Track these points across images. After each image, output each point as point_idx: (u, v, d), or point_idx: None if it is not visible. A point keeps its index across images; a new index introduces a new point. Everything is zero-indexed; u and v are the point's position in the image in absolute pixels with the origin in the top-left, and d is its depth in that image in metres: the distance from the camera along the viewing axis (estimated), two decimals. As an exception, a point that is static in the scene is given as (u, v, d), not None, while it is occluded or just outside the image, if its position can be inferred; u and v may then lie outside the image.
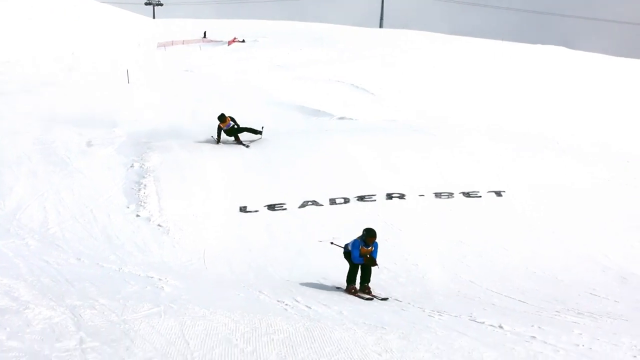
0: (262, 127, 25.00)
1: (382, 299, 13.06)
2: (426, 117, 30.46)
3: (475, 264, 15.18)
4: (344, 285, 13.79)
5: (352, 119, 29.99)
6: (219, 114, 24.58)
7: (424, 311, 10.93)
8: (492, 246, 16.24)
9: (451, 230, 17.26)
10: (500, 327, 9.90)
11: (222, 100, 33.54)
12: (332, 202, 18.99)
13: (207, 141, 24.15)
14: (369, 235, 13.38)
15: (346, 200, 18.92)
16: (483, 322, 10.17)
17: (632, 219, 18.29)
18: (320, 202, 18.94)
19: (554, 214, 18.33)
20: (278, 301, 11.19)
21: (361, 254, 13.37)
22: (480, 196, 19.31)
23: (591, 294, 13.10)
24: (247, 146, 23.83)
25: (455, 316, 10.53)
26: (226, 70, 45.12)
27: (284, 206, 18.80)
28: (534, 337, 9.34)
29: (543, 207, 18.71)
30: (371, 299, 13.14)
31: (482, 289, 13.27)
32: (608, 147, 26.81)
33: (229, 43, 67.66)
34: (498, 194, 19.51)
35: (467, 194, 19.34)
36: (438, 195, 19.23)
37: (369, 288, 13.62)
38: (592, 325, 10.50)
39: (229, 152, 22.81)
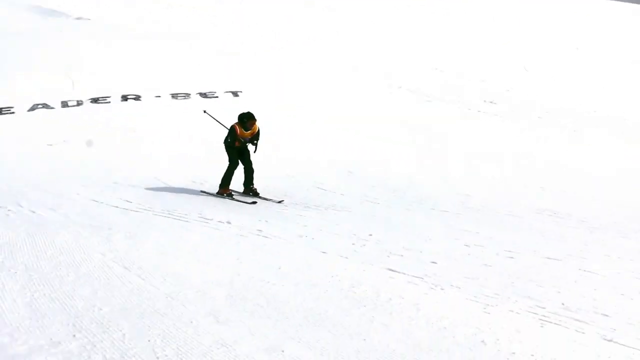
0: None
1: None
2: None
3: (212, 165, 15.14)
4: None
5: (89, 19, 28.81)
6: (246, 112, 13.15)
7: (153, 211, 10.88)
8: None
9: (188, 130, 17.18)
10: (228, 222, 10.10)
11: None
12: (64, 104, 18.17)
13: None
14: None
15: (79, 103, 18.24)
16: (212, 219, 10.31)
17: (360, 112, 19.18)
18: (52, 105, 18.08)
19: (292, 113, 18.75)
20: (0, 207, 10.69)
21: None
22: (217, 96, 19.42)
23: (319, 188, 13.64)
24: (281, 201, 12.46)
25: (185, 214, 10.58)
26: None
27: (12, 110, 17.67)
28: (260, 230, 9.63)
29: (281, 107, 19.08)
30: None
31: (216, 188, 13.25)
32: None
33: None
34: (235, 94, 19.77)
35: (203, 95, 19.34)
36: (175, 96, 19.08)
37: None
38: (317, 217, 10.97)
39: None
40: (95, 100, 18.01)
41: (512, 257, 8.84)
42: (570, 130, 20.45)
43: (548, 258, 8.81)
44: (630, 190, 15.02)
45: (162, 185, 13.50)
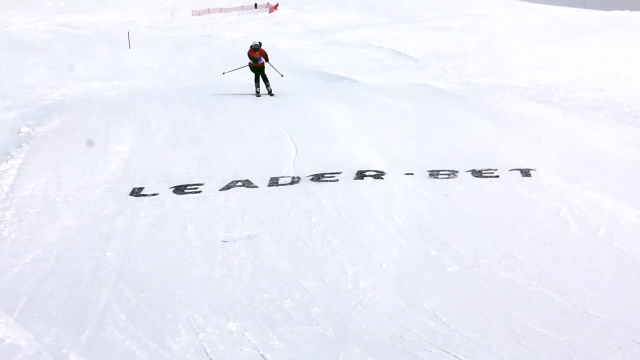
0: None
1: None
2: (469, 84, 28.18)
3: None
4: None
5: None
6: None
7: None
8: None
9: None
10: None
11: (229, 65, 31.73)
12: (274, 182, 15.13)
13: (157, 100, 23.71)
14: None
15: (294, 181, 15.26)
16: None
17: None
18: (255, 183, 15.09)
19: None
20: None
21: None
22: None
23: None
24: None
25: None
26: (250, 35, 43.22)
27: (199, 188, 14.81)
28: None
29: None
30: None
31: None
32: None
33: (270, 10, 65.89)
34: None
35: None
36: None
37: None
38: None
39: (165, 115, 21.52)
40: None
41: None
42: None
43: None
44: None
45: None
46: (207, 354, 8.34)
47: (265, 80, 25.85)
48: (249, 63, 25.86)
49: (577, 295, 9.83)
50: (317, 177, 15.27)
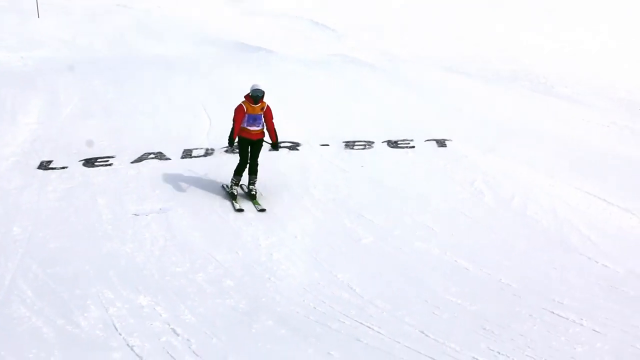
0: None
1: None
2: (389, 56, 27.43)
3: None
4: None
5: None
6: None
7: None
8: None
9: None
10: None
11: (143, 36, 31.08)
12: (187, 154, 14.94)
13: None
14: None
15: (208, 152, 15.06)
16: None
17: None
18: (167, 155, 14.82)
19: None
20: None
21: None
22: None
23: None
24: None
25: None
26: (166, 5, 41.51)
27: (110, 161, 14.41)
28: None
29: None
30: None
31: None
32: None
33: None
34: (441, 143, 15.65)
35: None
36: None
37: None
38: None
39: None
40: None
41: None
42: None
43: None
44: None
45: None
46: (117, 329, 8.22)
47: (254, 170, 12.67)
48: (240, 132, 12.45)
49: (491, 264, 10.02)
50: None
